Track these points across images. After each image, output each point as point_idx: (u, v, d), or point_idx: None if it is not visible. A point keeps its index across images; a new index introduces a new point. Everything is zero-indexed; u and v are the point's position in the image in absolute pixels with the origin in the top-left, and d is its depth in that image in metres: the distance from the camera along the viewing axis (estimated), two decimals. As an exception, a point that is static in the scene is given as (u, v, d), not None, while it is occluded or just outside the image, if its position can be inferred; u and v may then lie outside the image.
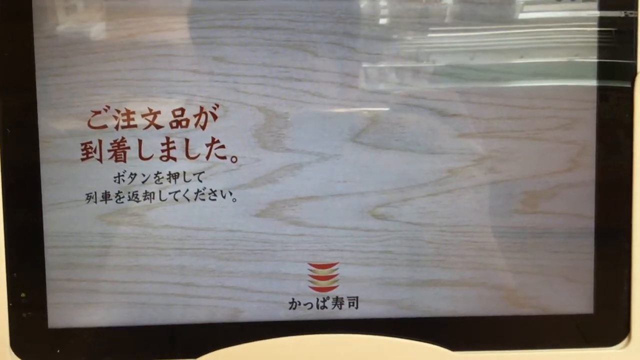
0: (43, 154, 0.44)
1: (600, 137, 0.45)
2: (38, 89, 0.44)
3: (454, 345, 0.46)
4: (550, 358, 0.46)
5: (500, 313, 0.47)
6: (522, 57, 0.45)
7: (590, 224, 0.46)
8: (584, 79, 0.45)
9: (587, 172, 0.46)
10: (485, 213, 0.46)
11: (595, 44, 0.45)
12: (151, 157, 0.45)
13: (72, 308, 0.45)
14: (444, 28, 0.45)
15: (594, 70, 0.45)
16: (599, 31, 0.45)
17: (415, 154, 0.45)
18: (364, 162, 0.45)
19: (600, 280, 0.46)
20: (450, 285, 0.46)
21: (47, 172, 0.44)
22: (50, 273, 0.45)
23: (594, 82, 0.45)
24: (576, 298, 0.47)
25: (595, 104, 0.45)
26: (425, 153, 0.45)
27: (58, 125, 0.44)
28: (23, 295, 0.45)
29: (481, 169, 0.46)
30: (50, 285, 0.45)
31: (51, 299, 0.45)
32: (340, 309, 0.46)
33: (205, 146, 0.45)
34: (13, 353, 0.45)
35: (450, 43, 0.45)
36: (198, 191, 0.45)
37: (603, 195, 0.46)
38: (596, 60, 0.45)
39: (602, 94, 0.45)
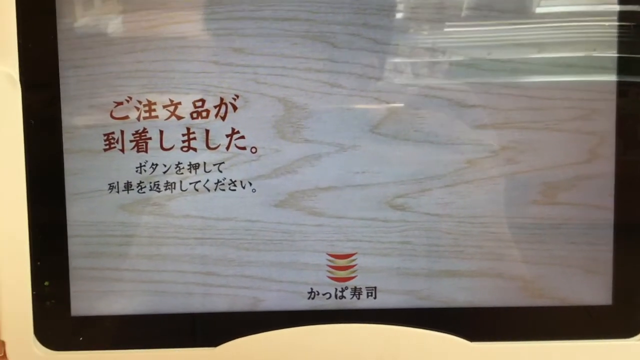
0: (66, 145, 0.45)
1: (619, 128, 0.45)
2: (61, 80, 0.44)
3: (471, 335, 0.46)
4: (568, 349, 0.46)
5: (518, 304, 0.47)
6: (540, 51, 0.45)
7: (609, 215, 0.46)
8: (603, 72, 0.45)
9: (607, 163, 0.46)
10: (504, 204, 0.46)
11: (615, 39, 0.45)
12: (172, 147, 0.45)
13: (94, 296, 0.46)
14: (462, 21, 0.45)
15: (614, 64, 0.45)
16: (619, 25, 0.45)
17: (433, 145, 0.45)
18: (382, 153, 0.45)
19: (619, 272, 0.46)
20: (468, 276, 0.46)
21: (70, 163, 0.45)
22: (73, 262, 0.46)
23: (613, 77, 0.45)
24: (594, 289, 0.47)
25: (614, 95, 0.45)
26: (444, 144, 0.45)
27: (81, 117, 0.45)
28: (47, 283, 0.45)
29: (499, 160, 0.46)
30: (73, 273, 0.46)
31: (74, 287, 0.46)
32: (359, 299, 0.47)
33: (225, 137, 0.45)
34: (37, 340, 0.45)
35: (468, 36, 0.45)
36: (218, 181, 0.46)
37: (622, 187, 0.46)
38: (616, 55, 0.45)
39: (622, 87, 0.45)
